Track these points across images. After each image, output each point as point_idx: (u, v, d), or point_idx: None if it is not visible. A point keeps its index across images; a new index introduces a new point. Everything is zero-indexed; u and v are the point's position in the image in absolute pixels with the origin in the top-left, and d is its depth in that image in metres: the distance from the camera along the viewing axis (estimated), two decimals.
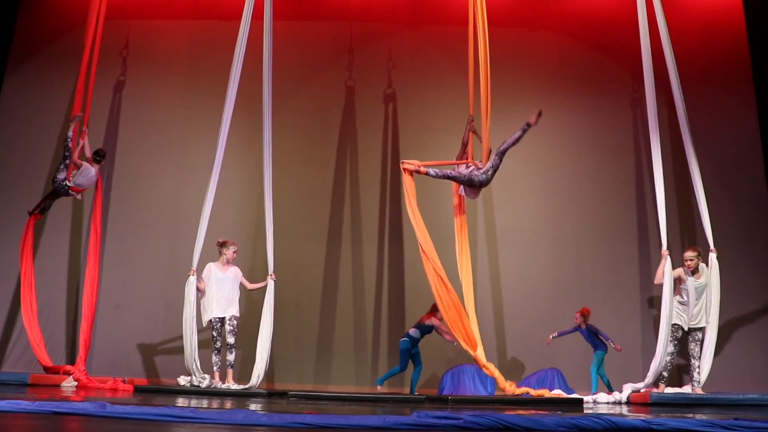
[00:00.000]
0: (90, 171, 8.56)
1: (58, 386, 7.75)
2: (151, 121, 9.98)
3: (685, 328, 7.55)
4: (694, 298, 7.52)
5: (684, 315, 7.53)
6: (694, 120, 9.46)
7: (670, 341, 7.48)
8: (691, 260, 7.62)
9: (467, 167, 7.69)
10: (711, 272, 7.73)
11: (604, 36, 9.81)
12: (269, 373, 8.96)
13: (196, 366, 7.60)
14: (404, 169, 7.49)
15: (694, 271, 7.63)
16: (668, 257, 7.56)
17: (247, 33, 8.14)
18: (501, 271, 9.35)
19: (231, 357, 7.75)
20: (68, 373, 8.01)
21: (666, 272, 7.47)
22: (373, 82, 10.04)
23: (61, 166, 8.44)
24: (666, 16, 8.06)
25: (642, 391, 7.39)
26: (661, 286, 7.52)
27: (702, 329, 7.61)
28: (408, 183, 7.44)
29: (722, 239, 8.99)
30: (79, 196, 8.64)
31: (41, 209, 8.63)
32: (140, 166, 9.85)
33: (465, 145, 8.16)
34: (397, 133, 9.90)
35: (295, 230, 9.53)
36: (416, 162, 7.50)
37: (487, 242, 9.42)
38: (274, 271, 8.09)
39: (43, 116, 9.94)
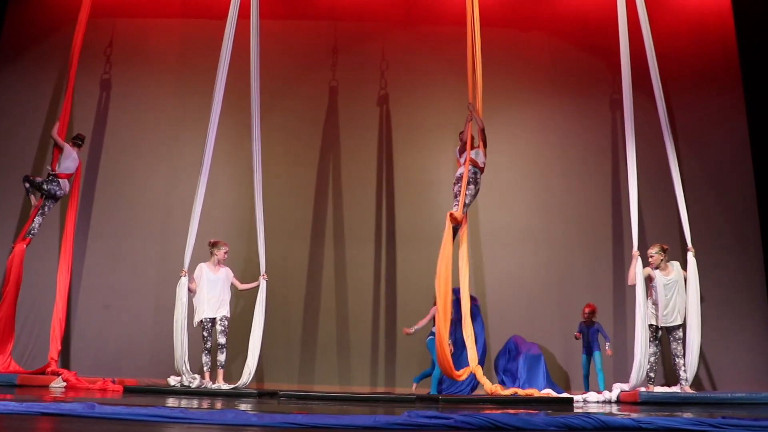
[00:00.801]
0: (72, 152, 8.67)
1: (46, 387, 7.70)
2: (141, 120, 9.94)
3: (659, 326, 7.60)
4: (663, 295, 7.57)
5: (657, 314, 7.58)
6: (683, 121, 9.57)
7: (651, 342, 7.53)
8: (652, 257, 7.69)
9: (469, 170, 7.60)
10: (689, 271, 7.76)
11: (595, 38, 9.85)
12: (258, 373, 8.96)
13: (186, 367, 7.58)
14: (454, 219, 7.35)
15: (662, 268, 7.67)
16: (639, 258, 7.63)
17: (233, 32, 8.12)
18: (486, 270, 9.36)
19: (222, 357, 7.73)
20: (57, 374, 7.96)
21: (638, 273, 7.53)
22: (365, 82, 10.04)
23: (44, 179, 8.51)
24: (656, 18, 8.14)
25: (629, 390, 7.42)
26: (635, 287, 7.58)
27: (680, 327, 7.62)
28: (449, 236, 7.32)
29: (711, 238, 9.08)
30: (66, 190, 8.60)
31: (28, 231, 8.54)
32: (129, 165, 9.81)
33: (464, 142, 8.02)
34: (389, 134, 9.90)
35: (284, 230, 9.52)
36: (458, 215, 7.39)
37: (471, 242, 9.42)
38: (265, 272, 8.07)
39: (30, 114, 9.88)
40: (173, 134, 9.89)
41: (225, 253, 7.99)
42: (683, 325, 7.65)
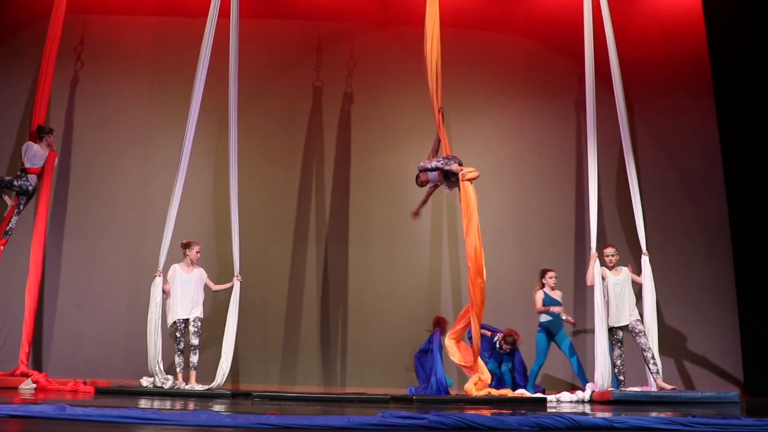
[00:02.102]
0: (32, 146, 8.40)
1: (15, 389, 7.58)
2: (114, 119, 9.82)
3: (615, 327, 7.66)
4: (614, 295, 7.66)
5: (608, 314, 7.64)
6: (654, 123, 9.71)
7: (614, 345, 7.63)
8: (612, 255, 7.82)
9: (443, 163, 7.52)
10: (644, 274, 7.80)
11: (568, 40, 9.90)
12: (234, 374, 8.91)
13: (159, 368, 7.52)
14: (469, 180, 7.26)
15: (614, 269, 7.81)
16: (597, 258, 7.75)
17: (213, 31, 8.06)
18: (462, 270, 9.38)
19: (194, 358, 7.68)
20: (27, 376, 7.84)
21: (595, 274, 7.65)
22: (340, 82, 10.02)
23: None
24: (628, 22, 8.21)
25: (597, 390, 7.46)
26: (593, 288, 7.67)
27: (626, 327, 7.66)
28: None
29: (681, 239, 9.22)
30: (35, 185, 8.44)
31: (5, 232, 8.40)
32: (102, 165, 9.69)
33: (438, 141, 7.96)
34: (365, 133, 9.89)
35: (261, 230, 9.49)
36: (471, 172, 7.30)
37: (448, 243, 9.47)
38: (240, 272, 8.03)
39: (5, 112, 9.73)
40: (146, 134, 9.79)
41: (197, 252, 7.94)
42: (640, 321, 7.65)
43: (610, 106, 8.22)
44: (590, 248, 7.82)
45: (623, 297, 7.70)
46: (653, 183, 9.49)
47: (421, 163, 7.48)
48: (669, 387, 7.49)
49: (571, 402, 7.37)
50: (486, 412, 4.82)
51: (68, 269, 9.36)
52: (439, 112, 7.57)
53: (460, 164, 7.33)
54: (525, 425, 3.68)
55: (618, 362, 7.65)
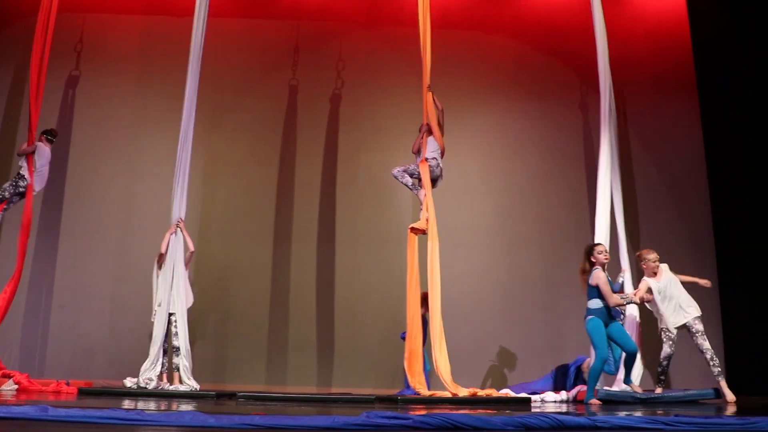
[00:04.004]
0: (44, 149, 8.32)
1: None
2: (103, 117, 9.74)
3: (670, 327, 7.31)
4: (661, 299, 7.33)
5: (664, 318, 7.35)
6: (640, 122, 9.79)
7: (665, 343, 7.27)
8: (656, 261, 7.42)
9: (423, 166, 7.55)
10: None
11: (557, 41, 9.98)
12: (219, 374, 8.88)
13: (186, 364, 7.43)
14: (415, 232, 7.21)
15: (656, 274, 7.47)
16: (627, 272, 7.72)
17: (201, 30, 8.01)
18: (446, 271, 9.38)
19: (176, 359, 7.60)
20: (8, 376, 7.76)
21: (651, 286, 7.31)
22: (325, 83, 10.01)
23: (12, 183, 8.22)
24: (614, 23, 8.22)
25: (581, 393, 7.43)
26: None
27: (686, 326, 7.29)
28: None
29: (666, 237, 9.28)
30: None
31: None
32: (90, 164, 9.61)
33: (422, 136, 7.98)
34: (350, 134, 9.88)
35: (247, 230, 9.47)
36: (421, 225, 7.24)
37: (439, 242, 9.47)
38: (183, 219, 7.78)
39: None
40: (134, 134, 9.72)
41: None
42: (699, 320, 7.34)
43: (594, 103, 8.26)
44: (621, 269, 7.62)
45: (672, 299, 7.34)
46: (638, 183, 9.56)
47: (396, 171, 7.51)
48: (729, 393, 7.13)
49: (555, 402, 7.39)
50: (471, 412, 4.83)
51: (57, 269, 9.28)
52: (428, 90, 7.65)
53: (419, 179, 7.42)
54: (510, 425, 3.70)
55: (664, 363, 7.28)
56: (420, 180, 7.48)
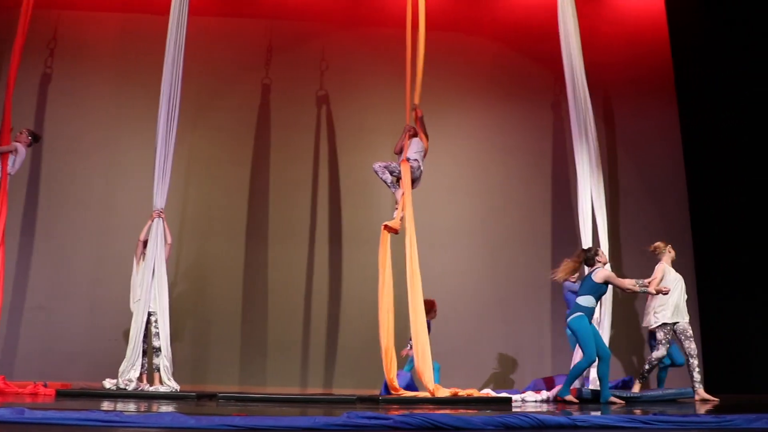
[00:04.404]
0: (23, 151, 8.22)
1: None
2: (80, 116, 9.64)
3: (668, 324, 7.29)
4: (674, 290, 7.28)
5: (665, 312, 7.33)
6: (619, 125, 9.89)
7: (662, 344, 7.22)
8: (669, 252, 7.53)
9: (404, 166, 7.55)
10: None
11: (535, 42, 10.04)
12: (200, 375, 8.83)
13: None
14: (388, 230, 7.12)
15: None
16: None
17: (179, 28, 7.94)
18: (427, 272, 9.39)
19: (157, 360, 7.54)
20: None
21: (666, 271, 7.34)
22: (305, 82, 9.99)
23: None
24: (593, 27, 8.29)
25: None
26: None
27: (677, 327, 7.28)
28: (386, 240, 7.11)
29: (645, 237, 9.33)
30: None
31: None
32: (68, 164, 9.51)
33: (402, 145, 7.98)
34: (332, 134, 9.88)
35: (227, 230, 9.43)
36: (395, 224, 7.15)
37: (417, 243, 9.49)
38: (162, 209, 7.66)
39: None
40: (111, 134, 9.62)
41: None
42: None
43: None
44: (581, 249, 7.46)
45: (682, 295, 7.37)
46: (617, 185, 9.64)
47: (378, 166, 7.49)
48: (711, 397, 7.17)
49: (535, 402, 7.43)
50: (451, 412, 4.84)
51: (35, 269, 9.18)
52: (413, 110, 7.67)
53: (398, 179, 7.40)
54: (490, 425, 3.71)
55: (654, 363, 7.25)
56: (399, 179, 7.47)
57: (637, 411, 5.42)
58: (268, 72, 9.99)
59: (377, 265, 7.10)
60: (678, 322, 7.27)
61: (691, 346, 7.20)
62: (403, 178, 7.40)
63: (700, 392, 7.22)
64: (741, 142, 9.40)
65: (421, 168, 7.55)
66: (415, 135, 7.69)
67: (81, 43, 9.88)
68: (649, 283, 6.91)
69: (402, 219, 7.18)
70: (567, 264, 7.04)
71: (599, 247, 7.53)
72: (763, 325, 8.83)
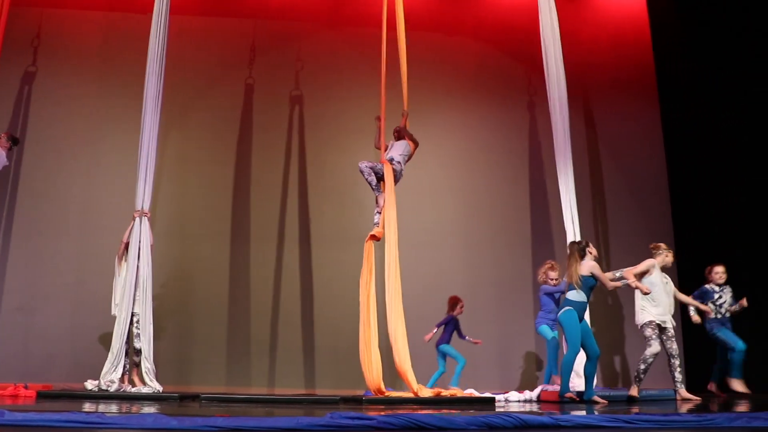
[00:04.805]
0: (1, 154, 8.16)
1: None
2: (62, 115, 9.56)
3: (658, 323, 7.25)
4: (663, 289, 7.34)
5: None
6: (602, 125, 9.96)
7: (653, 340, 7.13)
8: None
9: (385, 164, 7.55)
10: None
11: (517, 43, 10.09)
12: (183, 376, 8.78)
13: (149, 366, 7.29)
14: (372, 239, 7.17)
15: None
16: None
17: (162, 27, 7.90)
18: (410, 272, 9.39)
19: (138, 359, 7.49)
20: None
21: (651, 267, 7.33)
22: (287, 82, 9.96)
23: None
24: (576, 28, 8.33)
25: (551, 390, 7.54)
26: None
27: (663, 325, 7.26)
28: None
29: (627, 237, 9.44)
30: None
31: None
32: (48, 163, 9.43)
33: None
34: (314, 134, 9.86)
35: (212, 230, 9.39)
36: (379, 232, 7.20)
37: (400, 243, 9.50)
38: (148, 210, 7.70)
39: None
40: (94, 132, 9.55)
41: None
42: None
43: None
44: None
45: (671, 294, 7.41)
46: (600, 185, 9.70)
47: (364, 165, 7.46)
48: (693, 396, 7.23)
49: (519, 402, 7.45)
50: (435, 412, 4.84)
51: (13, 270, 9.09)
52: (403, 115, 7.72)
53: (380, 179, 7.40)
54: (473, 425, 3.72)
55: (650, 360, 7.09)
56: (382, 180, 7.46)
57: (620, 410, 5.46)
58: (251, 72, 9.95)
59: (358, 264, 7.11)
60: (665, 321, 7.28)
61: (673, 347, 7.24)
62: (386, 179, 7.40)
63: (682, 392, 7.27)
64: (723, 142, 9.48)
65: (402, 171, 7.54)
66: (401, 138, 7.71)
67: (65, 41, 9.79)
68: (627, 271, 6.97)
69: (382, 220, 7.20)
70: (569, 264, 6.87)
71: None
72: (743, 325, 8.89)
